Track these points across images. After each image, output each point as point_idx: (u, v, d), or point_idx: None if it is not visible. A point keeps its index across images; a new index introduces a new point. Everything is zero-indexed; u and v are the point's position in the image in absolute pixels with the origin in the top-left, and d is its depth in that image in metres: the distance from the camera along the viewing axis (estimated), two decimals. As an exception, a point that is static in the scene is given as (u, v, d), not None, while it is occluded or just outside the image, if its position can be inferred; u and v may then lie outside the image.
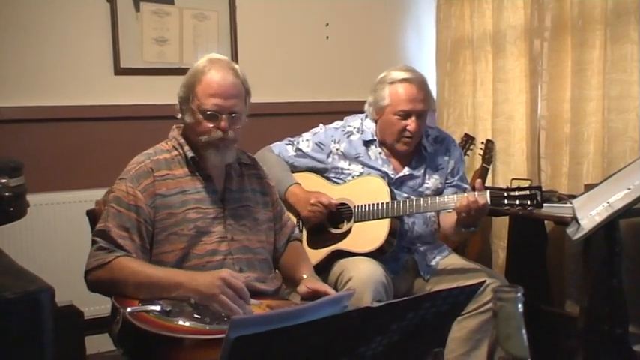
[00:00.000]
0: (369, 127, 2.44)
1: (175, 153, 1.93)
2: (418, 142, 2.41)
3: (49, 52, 3.10)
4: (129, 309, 1.63)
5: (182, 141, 1.93)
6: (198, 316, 1.63)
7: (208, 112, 1.85)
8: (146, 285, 1.72)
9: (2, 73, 3.00)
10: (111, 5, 3.19)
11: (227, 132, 1.87)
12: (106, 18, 3.19)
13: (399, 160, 2.43)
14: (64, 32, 3.13)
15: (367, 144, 2.42)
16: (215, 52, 2.02)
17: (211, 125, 1.86)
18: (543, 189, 2.90)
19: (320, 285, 1.92)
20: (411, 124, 2.32)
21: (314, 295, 1.85)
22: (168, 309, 1.64)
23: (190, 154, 1.91)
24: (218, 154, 1.90)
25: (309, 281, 1.94)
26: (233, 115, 1.88)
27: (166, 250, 1.84)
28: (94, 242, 1.82)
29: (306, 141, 2.49)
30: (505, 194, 2.15)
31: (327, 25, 3.76)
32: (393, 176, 2.39)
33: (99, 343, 2.79)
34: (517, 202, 2.14)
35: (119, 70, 3.24)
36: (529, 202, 2.13)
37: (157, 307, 1.65)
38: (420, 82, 2.36)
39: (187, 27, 3.38)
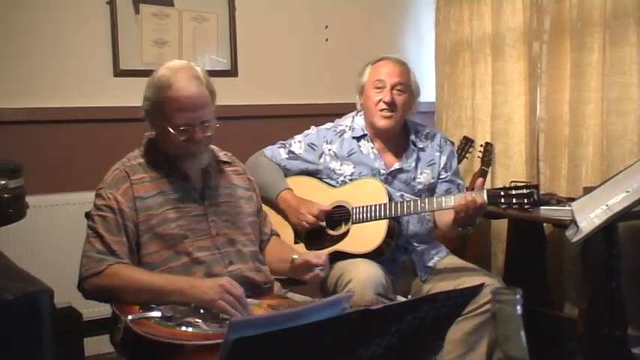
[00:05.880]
0: (359, 124, 2.48)
1: (150, 157, 1.93)
2: (405, 135, 2.44)
3: (48, 53, 3.09)
4: (130, 317, 1.62)
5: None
6: (199, 321, 1.63)
7: (181, 128, 1.83)
8: (146, 291, 1.73)
9: (1, 74, 3.00)
10: (110, 7, 3.19)
11: (201, 141, 1.87)
12: (105, 19, 3.19)
13: (390, 155, 2.45)
14: (63, 34, 3.12)
15: (358, 139, 2.45)
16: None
17: (183, 138, 1.85)
18: (542, 191, 2.91)
19: (311, 255, 1.98)
20: (385, 94, 2.35)
21: (306, 265, 1.93)
22: (169, 315, 1.64)
23: (162, 157, 1.91)
24: (194, 162, 1.92)
25: (301, 254, 2.00)
26: (205, 124, 1.87)
27: (152, 251, 1.83)
28: (84, 251, 1.81)
29: (298, 142, 2.50)
30: (502, 193, 2.16)
31: (327, 27, 3.76)
32: (384, 171, 2.40)
33: (98, 344, 2.78)
34: (514, 200, 2.14)
35: (118, 72, 3.23)
36: (526, 201, 2.14)
37: (158, 314, 1.64)
38: (399, 61, 2.45)
39: (187, 29, 3.38)
